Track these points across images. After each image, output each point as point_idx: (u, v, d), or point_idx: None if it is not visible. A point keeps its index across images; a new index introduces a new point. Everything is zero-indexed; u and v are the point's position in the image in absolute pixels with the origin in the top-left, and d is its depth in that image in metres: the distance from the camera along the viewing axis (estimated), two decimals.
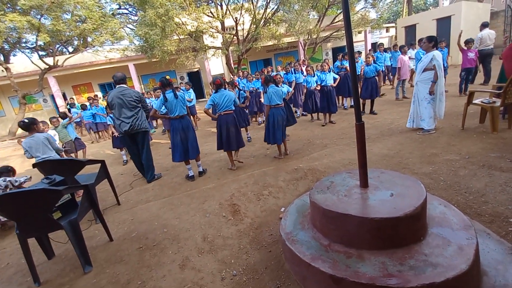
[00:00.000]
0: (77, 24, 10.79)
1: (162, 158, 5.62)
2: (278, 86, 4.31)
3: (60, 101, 13.83)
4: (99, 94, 14.65)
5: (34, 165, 3.28)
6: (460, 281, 1.44)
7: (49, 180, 2.58)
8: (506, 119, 4.14)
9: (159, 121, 9.43)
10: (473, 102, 4.26)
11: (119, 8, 15.92)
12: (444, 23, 12.57)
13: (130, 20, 15.56)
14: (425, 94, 4.32)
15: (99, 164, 3.51)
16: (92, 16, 10.29)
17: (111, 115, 5.13)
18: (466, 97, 4.52)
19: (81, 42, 13.32)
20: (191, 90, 7.85)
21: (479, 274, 1.64)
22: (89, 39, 12.36)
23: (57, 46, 12.97)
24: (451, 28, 12.28)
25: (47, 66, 11.81)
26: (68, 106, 10.89)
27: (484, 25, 7.34)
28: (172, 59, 11.33)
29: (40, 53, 14.31)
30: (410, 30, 14.49)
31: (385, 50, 9.10)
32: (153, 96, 7.77)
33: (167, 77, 4.18)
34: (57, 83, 13.93)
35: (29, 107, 15.31)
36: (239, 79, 7.79)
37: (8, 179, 3.37)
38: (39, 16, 10.27)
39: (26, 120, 3.57)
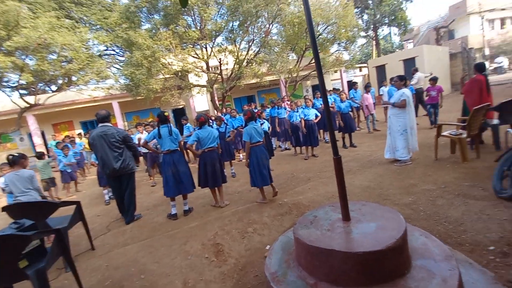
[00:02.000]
0: (63, 64, 10.94)
1: (143, 197, 5.41)
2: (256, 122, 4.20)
3: (37, 140, 13.37)
4: (77, 132, 14.36)
5: (3, 208, 3.05)
6: None
7: (17, 225, 2.39)
8: (475, 150, 4.43)
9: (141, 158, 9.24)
10: (442, 134, 4.56)
11: (106, 49, 16.44)
12: (409, 64, 13.88)
13: (117, 60, 16.00)
14: (397, 127, 4.60)
15: (74, 206, 3.32)
16: (78, 57, 10.51)
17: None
18: (436, 129, 4.86)
19: (65, 81, 13.40)
20: (188, 124, 7.96)
21: None
22: (74, 78, 12.48)
23: (40, 85, 12.94)
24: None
25: (28, 105, 11.62)
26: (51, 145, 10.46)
27: (415, 70, 8.66)
28: (157, 97, 11.54)
29: (21, 91, 14.17)
30: (380, 69, 15.82)
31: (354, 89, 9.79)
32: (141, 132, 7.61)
33: (166, 113, 4.06)
34: (36, 121, 13.60)
35: (4, 146, 14.65)
36: (223, 115, 7.99)
37: None
38: (24, 57, 10.37)
39: (16, 154, 3.56)
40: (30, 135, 14.20)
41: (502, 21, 24.10)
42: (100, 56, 14.58)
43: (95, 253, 3.33)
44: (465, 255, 2.13)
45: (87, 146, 9.62)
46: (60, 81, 14.20)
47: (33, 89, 12.50)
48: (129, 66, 10.30)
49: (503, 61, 20.87)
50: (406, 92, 4.50)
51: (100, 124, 3.95)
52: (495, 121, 4.44)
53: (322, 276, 1.79)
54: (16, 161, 3.59)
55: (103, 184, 5.50)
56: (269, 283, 1.92)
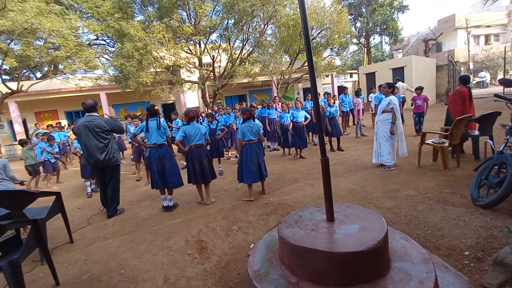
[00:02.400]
0: (50, 51, 10.55)
1: (127, 191, 5.29)
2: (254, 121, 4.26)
3: (18, 128, 12.85)
4: (64, 122, 13.90)
5: None
6: None
7: None
8: (455, 159, 4.59)
9: (126, 152, 9.06)
10: (426, 142, 4.71)
11: (97, 39, 15.98)
12: (398, 72, 14.26)
13: (107, 51, 15.58)
14: (383, 132, 4.71)
15: (54, 197, 3.21)
16: (66, 45, 10.17)
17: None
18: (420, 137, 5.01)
19: (51, 68, 12.92)
20: (178, 119, 7.88)
21: None
22: (61, 66, 12.06)
23: (24, 71, 12.43)
24: (404, 77, 13.95)
25: (10, 91, 11.14)
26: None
27: (398, 79, 9.12)
28: (147, 90, 11.33)
29: (4, 77, 13.57)
30: (370, 76, 16.17)
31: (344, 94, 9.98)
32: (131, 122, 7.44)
33: (156, 107, 4.01)
34: (18, 108, 13.07)
35: None
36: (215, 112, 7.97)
37: None
38: (8, 41, 9.93)
39: None
40: (10, 123, 13.63)
41: (487, 37, 25.18)
42: (89, 45, 14.15)
43: (73, 246, 3.23)
44: (442, 259, 2.21)
45: (72, 136, 9.35)
46: (45, 69, 13.71)
47: (16, 75, 12.01)
48: (119, 57, 10.07)
49: (486, 75, 21.78)
50: (393, 100, 4.61)
51: (87, 114, 3.83)
52: (476, 132, 4.63)
53: (304, 275, 1.80)
54: None
55: (86, 176, 5.32)
56: (251, 281, 1.92)
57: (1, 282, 2.42)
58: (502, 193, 2.79)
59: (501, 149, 3.08)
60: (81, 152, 4.63)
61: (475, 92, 4.82)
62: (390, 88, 4.79)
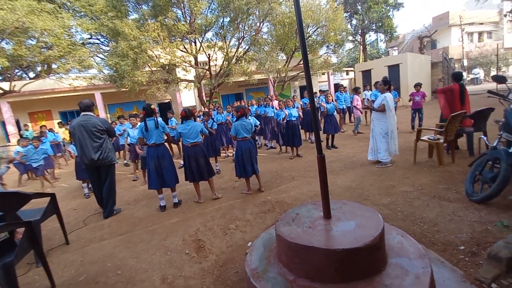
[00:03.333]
0: (42, 50, 10.40)
1: (123, 191, 5.26)
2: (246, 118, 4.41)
3: (12, 128, 12.68)
4: (54, 123, 13.73)
5: None
6: None
7: None
8: (450, 155, 4.63)
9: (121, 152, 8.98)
10: (421, 138, 4.75)
11: (90, 38, 15.78)
12: (394, 69, 14.33)
13: (101, 50, 15.39)
14: (379, 129, 4.73)
15: (48, 198, 3.17)
16: (59, 44, 10.02)
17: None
18: (415, 133, 5.04)
19: (45, 68, 12.74)
20: (173, 119, 7.91)
21: None
22: (54, 66, 11.90)
23: (16, 71, 12.25)
24: (400, 74, 14.04)
25: (1, 91, 10.97)
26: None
27: (385, 78, 9.21)
28: (142, 90, 11.24)
29: None
30: (367, 74, 16.22)
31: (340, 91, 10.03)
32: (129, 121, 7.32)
33: (152, 106, 4.00)
34: (11, 109, 12.88)
35: None
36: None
37: None
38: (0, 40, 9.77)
39: None
40: (3, 123, 13.43)
41: (480, 34, 25.41)
42: (83, 44, 13.97)
43: (69, 248, 3.20)
44: (438, 254, 2.23)
45: (66, 137, 9.24)
46: (39, 68, 13.52)
47: (8, 75, 11.83)
48: (113, 56, 9.96)
49: (480, 72, 22.01)
50: (387, 97, 4.63)
51: (83, 113, 3.84)
52: (470, 128, 4.68)
53: (301, 272, 1.80)
54: None
55: (82, 178, 5.27)
56: (249, 279, 1.92)
57: None
58: (496, 188, 2.82)
59: (494, 145, 3.12)
60: (77, 153, 4.57)
61: (469, 88, 4.88)
62: (386, 85, 4.81)
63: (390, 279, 1.69)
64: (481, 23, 24.16)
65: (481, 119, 4.56)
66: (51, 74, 12.16)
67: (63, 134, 9.03)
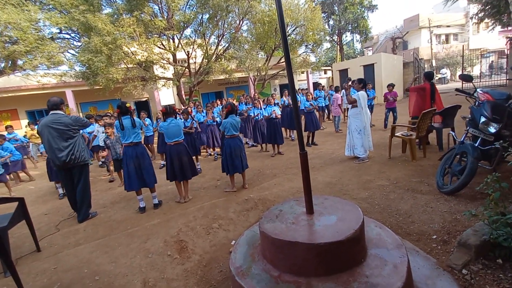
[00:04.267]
0: (6, 45, 9.64)
1: (99, 194, 5.02)
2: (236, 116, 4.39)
3: None
4: (24, 122, 12.83)
5: None
6: None
7: None
8: (422, 150, 4.89)
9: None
10: (395, 135, 4.97)
11: (60, 32, 14.84)
12: (369, 69, 14.91)
13: (72, 45, 14.53)
14: (355, 126, 4.91)
15: (16, 203, 2.96)
16: (25, 38, 9.34)
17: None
18: (390, 130, 5.27)
19: (9, 64, 11.81)
20: (147, 119, 7.65)
21: None
22: (20, 62, 11.07)
23: None
24: (375, 73, 14.63)
25: None
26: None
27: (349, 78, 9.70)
28: (118, 87, 10.77)
29: None
30: (343, 73, 16.71)
31: (318, 89, 10.28)
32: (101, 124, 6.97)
33: (128, 104, 3.85)
34: None
35: None
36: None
37: None
38: None
39: None
40: None
41: (447, 36, 27.02)
42: (52, 39, 13.08)
43: (41, 255, 3.01)
44: (413, 244, 2.35)
45: (32, 137, 8.66)
46: (2, 64, 12.50)
47: None
48: (86, 52, 9.45)
49: (447, 72, 23.42)
50: (360, 95, 4.82)
51: (51, 112, 3.58)
52: (440, 124, 4.97)
53: (286, 268, 1.83)
54: None
55: (54, 179, 4.99)
56: (233, 277, 1.91)
57: None
58: (463, 180, 3.02)
59: (462, 140, 3.33)
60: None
61: (437, 87, 5.19)
62: (361, 84, 5.00)
63: (370, 270, 1.75)
64: (448, 26, 25.69)
65: (449, 115, 4.86)
66: (17, 71, 11.31)
67: (26, 133, 8.51)
